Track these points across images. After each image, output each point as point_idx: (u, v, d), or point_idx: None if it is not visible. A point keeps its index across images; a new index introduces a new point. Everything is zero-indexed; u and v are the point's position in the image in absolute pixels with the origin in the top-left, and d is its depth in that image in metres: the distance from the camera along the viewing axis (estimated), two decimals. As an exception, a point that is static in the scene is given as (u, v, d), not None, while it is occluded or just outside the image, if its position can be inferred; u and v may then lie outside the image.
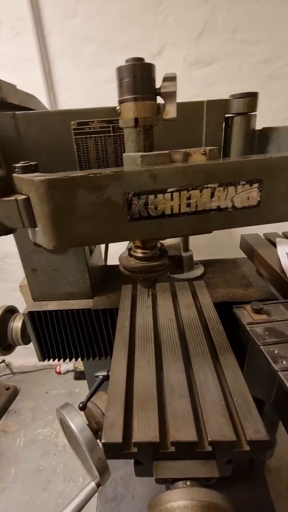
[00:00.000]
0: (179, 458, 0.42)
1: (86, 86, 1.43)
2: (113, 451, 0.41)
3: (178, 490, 0.37)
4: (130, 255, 0.49)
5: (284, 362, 0.41)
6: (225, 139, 0.57)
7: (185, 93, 1.39)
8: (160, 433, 0.41)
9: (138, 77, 0.36)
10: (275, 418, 0.84)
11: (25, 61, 1.40)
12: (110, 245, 1.13)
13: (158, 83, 0.39)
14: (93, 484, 0.59)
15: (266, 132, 0.56)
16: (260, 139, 0.57)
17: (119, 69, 0.37)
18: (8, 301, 1.08)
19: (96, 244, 0.39)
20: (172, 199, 0.37)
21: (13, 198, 0.39)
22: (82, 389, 1.97)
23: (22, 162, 0.40)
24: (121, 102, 0.38)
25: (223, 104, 0.53)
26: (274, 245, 0.80)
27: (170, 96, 0.38)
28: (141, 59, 0.36)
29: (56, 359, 1.05)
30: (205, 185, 0.37)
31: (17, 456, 1.61)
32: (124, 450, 0.41)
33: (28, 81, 1.43)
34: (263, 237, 0.88)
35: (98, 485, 0.59)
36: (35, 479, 1.50)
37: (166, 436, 0.42)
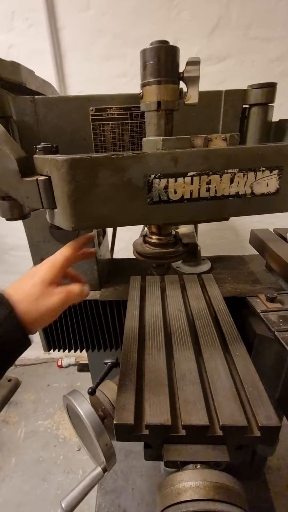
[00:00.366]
0: (190, 442, 0.42)
1: (97, 79, 1.43)
2: (125, 432, 0.42)
3: (190, 471, 0.38)
4: (145, 241, 0.49)
5: (299, 348, 0.41)
6: (242, 129, 0.57)
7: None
8: (171, 416, 0.42)
9: (163, 60, 0.36)
10: (278, 415, 0.84)
11: (37, 53, 1.40)
12: (116, 240, 1.13)
13: (181, 68, 0.39)
14: (99, 469, 0.59)
15: (284, 124, 0.56)
16: (276, 131, 0.57)
17: (144, 52, 0.37)
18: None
19: (114, 226, 0.40)
20: (192, 183, 0.38)
21: (33, 178, 0.39)
22: (83, 383, 1.97)
23: (43, 143, 0.40)
24: (144, 85, 0.39)
25: (241, 94, 0.53)
26: (285, 239, 0.80)
27: (193, 80, 0.38)
28: (166, 42, 0.36)
29: (62, 350, 1.06)
30: (226, 170, 0.37)
31: (18, 447, 1.62)
32: (135, 432, 0.41)
33: (39, 73, 1.43)
34: (274, 232, 0.88)
35: (105, 470, 0.59)
36: (35, 469, 1.51)
37: (177, 420, 0.42)
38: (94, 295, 0.94)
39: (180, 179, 0.37)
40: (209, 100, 0.52)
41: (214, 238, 1.67)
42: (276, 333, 0.44)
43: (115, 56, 1.39)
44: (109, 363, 0.61)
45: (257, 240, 0.86)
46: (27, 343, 0.40)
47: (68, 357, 2.11)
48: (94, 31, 1.34)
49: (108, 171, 0.35)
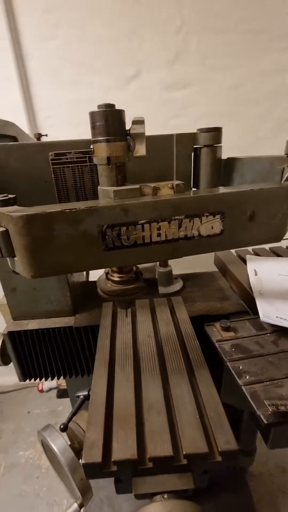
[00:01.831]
0: (157, 473, 0.44)
1: (65, 106, 1.48)
2: (93, 471, 0.43)
3: (156, 504, 0.39)
4: (107, 278, 0.52)
5: (247, 377, 0.45)
6: (195, 167, 0.62)
7: (163, 114, 1.47)
8: (138, 449, 0.43)
9: (110, 121, 0.40)
10: (254, 425, 0.88)
11: (3, 80, 1.43)
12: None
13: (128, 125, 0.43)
14: (75, 505, 0.59)
15: (231, 162, 0.62)
16: (226, 168, 0.63)
17: (92, 114, 0.40)
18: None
19: (73, 272, 0.42)
20: (143, 230, 0.41)
21: (-8, 230, 0.41)
22: (66, 407, 1.92)
23: (0, 195, 0.42)
24: (94, 142, 0.42)
25: (191, 137, 0.58)
26: (245, 262, 0.85)
27: (139, 136, 0.42)
28: (112, 106, 0.40)
29: (38, 379, 1.04)
30: (173, 217, 0.41)
31: (-3, 483, 1.54)
32: (104, 469, 0.43)
33: (8, 100, 1.46)
34: (235, 254, 0.93)
35: (81, 506, 0.59)
36: (16, 507, 1.44)
37: (144, 452, 0.44)
38: (69, 321, 0.94)
39: (131, 227, 0.40)
40: (162, 143, 0.57)
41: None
42: (228, 363, 0.47)
43: (82, 83, 1.44)
44: (81, 397, 0.62)
45: (220, 262, 0.91)
46: None
47: (49, 381, 2.05)
48: (61, 58, 1.40)
49: (63, 224, 0.38)
